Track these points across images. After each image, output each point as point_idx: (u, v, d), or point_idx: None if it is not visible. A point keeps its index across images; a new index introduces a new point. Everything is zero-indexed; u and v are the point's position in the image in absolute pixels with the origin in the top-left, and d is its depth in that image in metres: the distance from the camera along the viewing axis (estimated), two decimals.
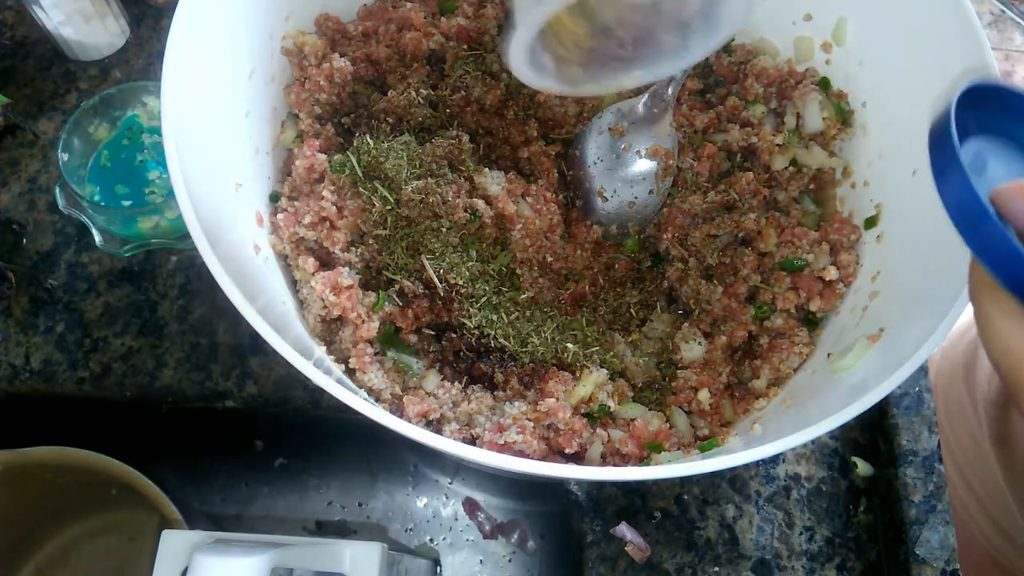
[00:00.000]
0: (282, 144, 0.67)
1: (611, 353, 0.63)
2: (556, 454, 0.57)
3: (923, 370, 0.72)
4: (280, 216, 0.62)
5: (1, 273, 0.72)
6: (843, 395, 0.50)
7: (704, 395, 0.61)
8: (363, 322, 0.59)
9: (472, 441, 0.57)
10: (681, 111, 0.70)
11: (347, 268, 0.61)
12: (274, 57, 0.66)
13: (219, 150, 0.58)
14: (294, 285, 0.63)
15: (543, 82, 0.51)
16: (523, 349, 0.61)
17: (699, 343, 0.64)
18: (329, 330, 0.61)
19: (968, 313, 0.43)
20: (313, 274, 0.60)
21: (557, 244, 0.65)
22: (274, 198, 0.65)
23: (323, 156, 0.64)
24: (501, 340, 0.60)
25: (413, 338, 0.62)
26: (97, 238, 0.72)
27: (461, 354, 0.61)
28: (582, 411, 0.59)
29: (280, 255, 0.63)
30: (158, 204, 0.71)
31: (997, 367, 0.38)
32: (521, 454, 0.54)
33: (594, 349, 0.63)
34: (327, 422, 0.75)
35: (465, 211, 0.60)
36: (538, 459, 0.54)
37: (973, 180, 0.36)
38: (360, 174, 0.62)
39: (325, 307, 0.59)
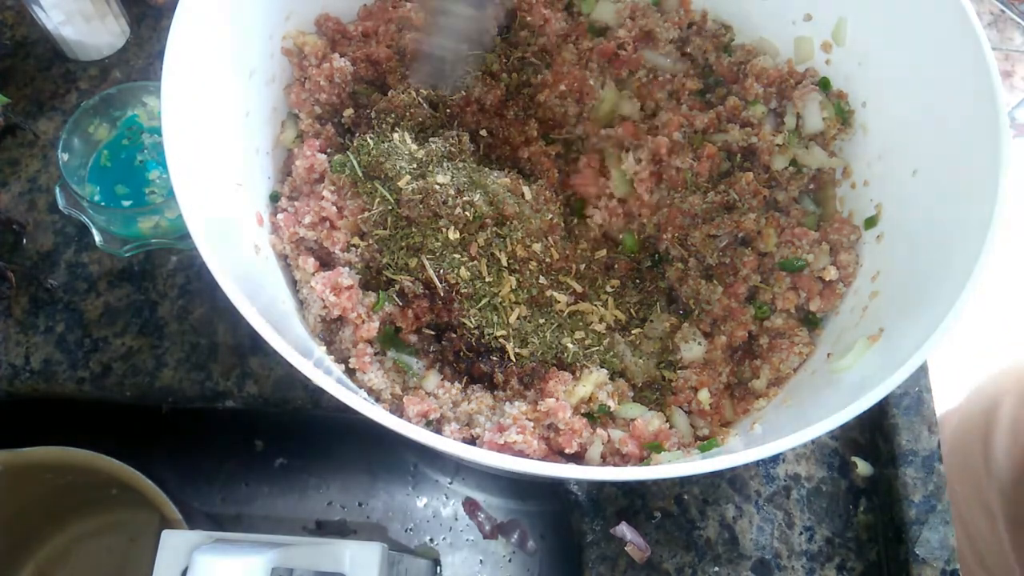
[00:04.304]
0: (282, 144, 0.67)
1: (611, 353, 0.63)
2: (556, 454, 0.57)
3: (923, 370, 0.72)
4: (280, 216, 0.62)
5: (1, 273, 0.72)
6: (843, 395, 0.50)
7: (704, 395, 0.61)
8: (363, 322, 0.59)
9: (472, 441, 0.57)
10: (681, 111, 0.70)
11: (347, 268, 0.61)
12: (274, 57, 0.66)
13: (219, 150, 0.58)
14: (294, 285, 0.63)
15: None
16: (523, 349, 0.61)
17: (699, 343, 0.64)
18: (329, 330, 0.61)
19: (984, 379, 0.43)
20: (313, 274, 0.60)
21: (558, 244, 0.65)
22: (274, 198, 0.65)
23: (323, 156, 0.64)
24: (501, 340, 0.60)
25: (413, 338, 0.62)
26: (97, 238, 0.72)
27: (461, 354, 0.61)
28: (582, 411, 0.59)
29: (280, 255, 0.63)
30: (158, 204, 0.71)
31: None
32: (521, 454, 0.54)
33: (594, 349, 0.63)
34: (327, 422, 0.75)
35: (465, 211, 0.60)
36: (538, 459, 0.54)
37: None
38: (360, 174, 0.62)
39: (325, 307, 0.59)
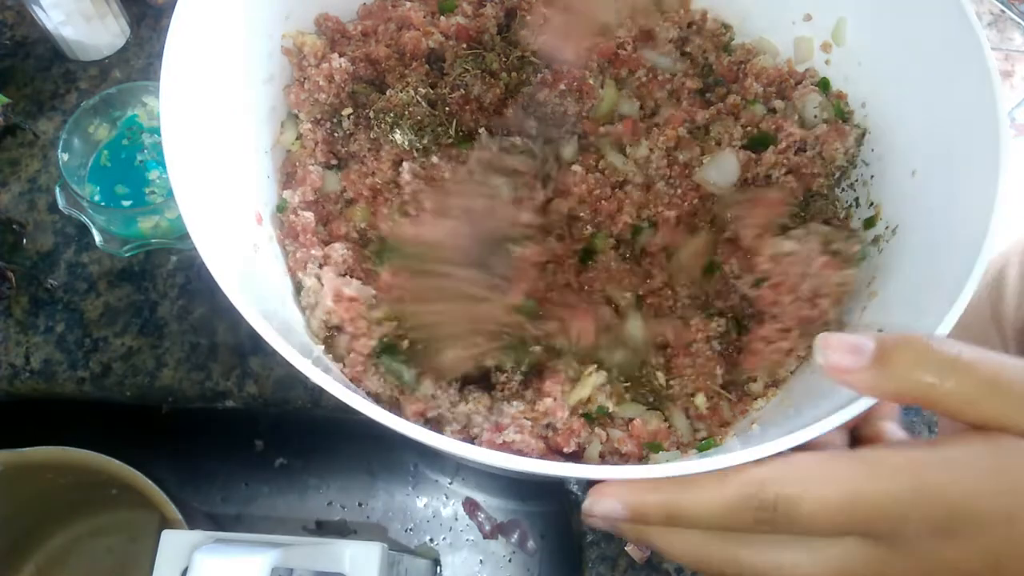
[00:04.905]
0: (281, 144, 0.67)
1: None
2: (555, 453, 0.57)
3: None
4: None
5: (1, 273, 0.72)
6: (843, 395, 0.50)
7: (700, 400, 0.61)
8: (362, 336, 0.58)
9: (471, 441, 0.57)
10: (682, 107, 0.70)
11: (358, 281, 0.60)
12: (273, 56, 0.66)
13: (219, 150, 0.57)
14: (293, 284, 0.62)
15: None
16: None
17: None
18: (330, 334, 0.60)
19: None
20: (322, 284, 0.59)
21: None
22: (280, 208, 0.65)
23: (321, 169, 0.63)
24: None
25: (405, 344, 0.61)
26: (97, 238, 0.72)
27: None
28: (580, 412, 0.59)
29: (294, 268, 0.63)
30: (158, 204, 0.71)
31: None
32: (520, 453, 0.54)
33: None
34: (327, 422, 0.75)
35: None
36: (537, 458, 0.54)
37: None
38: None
39: (328, 312, 0.58)
